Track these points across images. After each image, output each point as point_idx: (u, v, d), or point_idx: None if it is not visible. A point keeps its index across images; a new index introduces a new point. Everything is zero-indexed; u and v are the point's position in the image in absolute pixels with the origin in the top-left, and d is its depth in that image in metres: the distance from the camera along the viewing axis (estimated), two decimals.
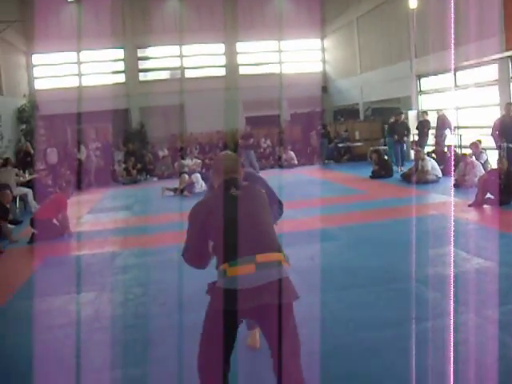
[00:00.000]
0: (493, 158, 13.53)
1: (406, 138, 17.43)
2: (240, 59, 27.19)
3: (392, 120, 17.93)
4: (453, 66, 16.69)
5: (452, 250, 7.07)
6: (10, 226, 10.86)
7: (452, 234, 7.98)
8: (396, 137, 17.14)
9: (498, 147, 12.68)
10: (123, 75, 26.24)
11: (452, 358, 3.57)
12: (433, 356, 4.04)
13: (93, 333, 5.17)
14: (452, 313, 4.89)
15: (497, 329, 4.60)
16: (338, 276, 6.35)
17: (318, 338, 4.48)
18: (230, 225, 3.14)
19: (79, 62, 25.89)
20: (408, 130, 17.31)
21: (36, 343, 4.99)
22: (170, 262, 7.57)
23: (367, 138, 21.69)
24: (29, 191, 13.91)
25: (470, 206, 9.96)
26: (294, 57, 27.70)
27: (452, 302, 5.10)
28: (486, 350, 4.22)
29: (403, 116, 17.84)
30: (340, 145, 21.86)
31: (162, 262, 7.64)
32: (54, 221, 10.35)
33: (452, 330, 4.28)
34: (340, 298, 5.58)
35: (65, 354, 4.71)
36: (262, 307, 2.97)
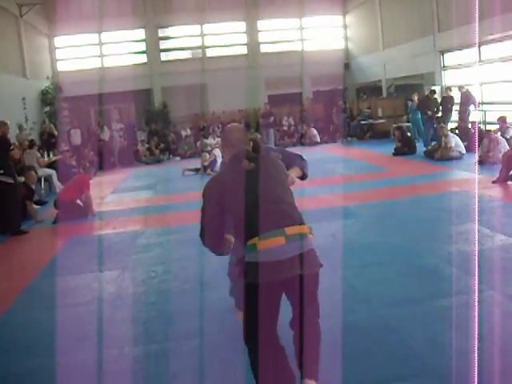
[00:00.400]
0: None
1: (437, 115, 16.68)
2: (261, 37, 26.98)
3: (424, 96, 17.37)
4: (477, 41, 16.37)
5: (475, 227, 7.00)
6: (35, 206, 11.03)
7: (475, 210, 7.94)
8: (430, 113, 16.40)
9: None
10: (145, 55, 26.23)
11: (475, 336, 3.56)
12: (455, 333, 4.02)
13: (115, 310, 5.25)
14: (475, 290, 4.86)
15: None
16: (359, 253, 6.33)
17: (338, 313, 4.50)
18: (251, 199, 3.14)
19: (101, 44, 25.92)
20: (439, 106, 16.71)
21: (60, 320, 5.08)
22: (191, 241, 7.54)
23: (390, 115, 21.47)
24: (53, 172, 14.09)
25: (493, 182, 9.83)
26: (316, 34, 27.38)
27: (475, 279, 5.08)
28: (509, 327, 4.19)
29: (436, 92, 17.45)
30: (363, 122, 21.68)
31: (184, 241, 7.69)
32: (78, 201, 10.49)
33: (475, 307, 4.27)
34: (361, 274, 5.58)
35: (88, 330, 4.79)
36: (294, 278, 3.05)
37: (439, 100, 17.49)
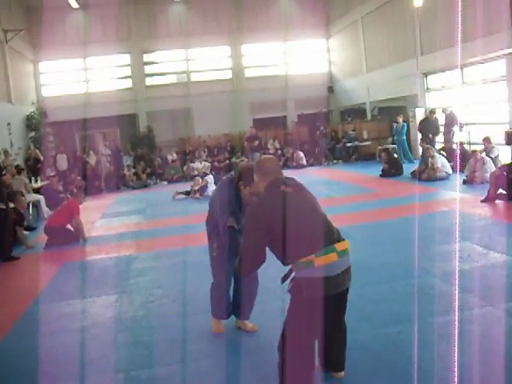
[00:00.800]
0: (503, 154, 13.60)
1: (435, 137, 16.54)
2: (245, 61, 27.25)
3: (423, 117, 17.50)
4: (459, 63, 16.69)
5: (468, 245, 7.11)
6: (25, 232, 10.96)
7: (466, 229, 8.06)
8: (430, 136, 16.21)
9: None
10: (130, 80, 26.35)
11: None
12: (458, 349, 4.08)
13: (117, 334, 5.24)
14: (473, 306, 4.94)
15: None
16: (356, 273, 6.29)
17: None
18: (299, 220, 3.38)
19: (86, 69, 26.01)
20: (438, 128, 16.74)
21: (61, 345, 5.08)
22: (186, 264, 7.69)
23: (375, 137, 21.74)
24: (41, 198, 14.03)
25: (482, 201, 9.99)
26: (300, 58, 27.71)
27: (470, 296, 5.17)
28: (509, 341, 4.26)
29: (435, 112, 17.47)
30: (348, 144, 21.89)
31: (179, 264, 7.75)
32: (68, 226, 10.46)
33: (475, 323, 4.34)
34: (360, 293, 5.62)
35: (91, 355, 4.77)
36: (344, 291, 3.52)
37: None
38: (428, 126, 16.67)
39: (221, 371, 4.24)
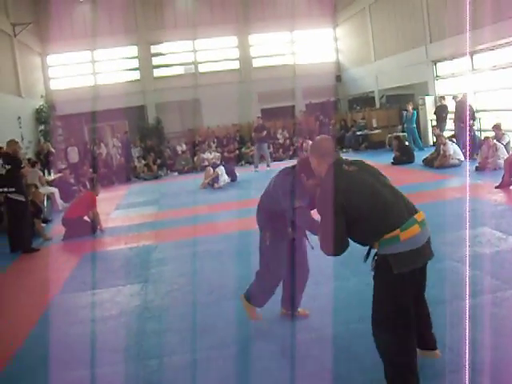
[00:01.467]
0: None
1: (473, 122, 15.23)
2: (253, 51, 27.24)
3: (457, 101, 16.40)
4: (468, 50, 16.64)
5: (487, 231, 7.16)
6: (42, 224, 11.08)
7: (483, 215, 8.11)
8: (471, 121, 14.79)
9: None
10: (138, 72, 26.39)
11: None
12: (482, 330, 4.16)
13: (145, 322, 5.33)
14: (496, 289, 5.01)
15: None
16: None
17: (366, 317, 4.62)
18: (376, 196, 3.34)
19: (93, 61, 26.07)
20: (474, 113, 15.43)
21: (91, 333, 5.18)
22: (206, 253, 7.79)
23: (384, 126, 21.73)
24: (56, 190, 14.15)
25: (497, 187, 10.03)
26: (307, 47, 27.69)
27: (494, 280, 5.24)
28: None
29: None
30: (358, 133, 21.91)
31: (199, 253, 7.83)
32: (85, 218, 10.57)
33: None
34: None
35: (122, 342, 4.87)
36: (426, 263, 3.48)
37: (433, 109, 17.74)
38: (462, 112, 16.33)
39: (253, 358, 4.32)
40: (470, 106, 15.32)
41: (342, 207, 3.30)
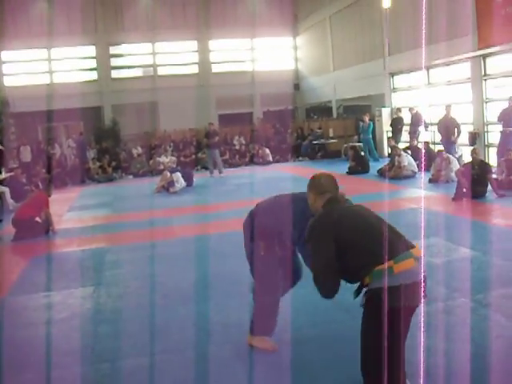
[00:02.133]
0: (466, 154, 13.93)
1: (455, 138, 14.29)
2: (213, 57, 27.27)
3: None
4: (425, 64, 17.01)
5: (437, 241, 7.31)
6: None
7: (434, 225, 8.29)
8: (453, 137, 14.16)
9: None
10: (95, 72, 26.08)
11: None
12: (434, 337, 4.25)
13: (98, 325, 5.24)
14: (447, 298, 5.13)
15: (490, 311, 4.87)
16: None
17: (323, 322, 4.66)
18: (370, 229, 3.21)
19: (50, 59, 25.64)
20: (459, 126, 14.51)
21: (41, 336, 5.06)
22: (159, 257, 7.73)
23: (341, 135, 21.98)
24: (6, 190, 13.79)
25: (453, 199, 10.22)
26: (267, 54, 27.89)
27: (444, 288, 5.36)
28: (482, 330, 4.47)
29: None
30: (314, 142, 22.10)
31: (153, 257, 7.78)
32: (37, 218, 10.34)
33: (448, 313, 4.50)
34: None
35: (74, 345, 4.76)
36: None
37: (389, 121, 18.08)
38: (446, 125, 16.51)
39: (204, 362, 4.29)
40: (422, 118, 15.74)
41: (333, 237, 3.18)
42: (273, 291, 4.24)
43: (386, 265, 3.03)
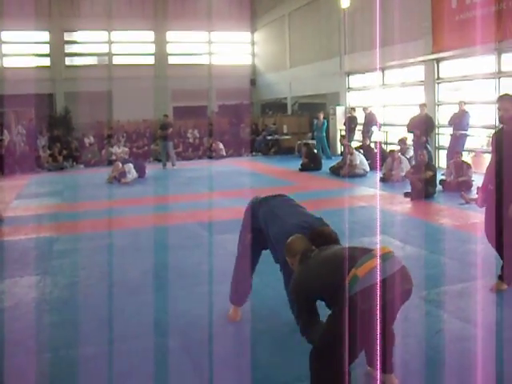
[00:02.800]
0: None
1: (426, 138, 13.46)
2: (170, 48, 27.06)
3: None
4: (379, 65, 17.27)
5: (386, 239, 7.45)
6: None
7: (384, 224, 8.44)
8: (424, 138, 13.25)
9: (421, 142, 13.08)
10: (48, 59, 25.53)
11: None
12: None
13: (42, 314, 5.15)
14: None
15: (432, 307, 5.00)
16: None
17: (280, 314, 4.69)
18: (334, 266, 3.29)
19: (1, 42, 24.96)
20: (433, 126, 14.14)
21: None
22: (108, 247, 7.65)
23: (295, 132, 22.14)
24: None
25: (411, 199, 10.42)
26: (224, 49, 27.87)
27: None
28: (424, 325, 4.60)
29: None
30: (268, 137, 22.17)
31: (101, 247, 7.68)
32: None
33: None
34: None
35: (18, 335, 4.68)
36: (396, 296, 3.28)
37: (343, 120, 18.29)
38: (418, 124, 16.58)
39: (150, 352, 4.27)
40: (376, 118, 16.00)
41: (303, 296, 3.41)
42: (243, 268, 4.77)
43: (350, 275, 3.14)
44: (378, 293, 3.07)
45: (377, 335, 3.19)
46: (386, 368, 3.55)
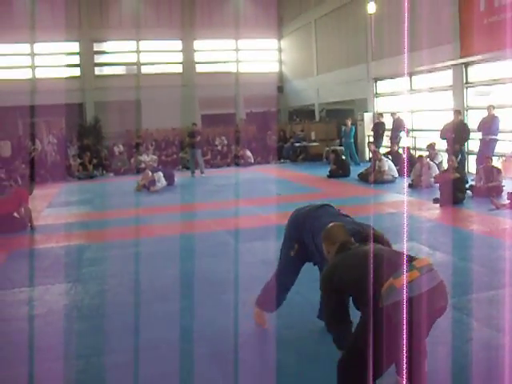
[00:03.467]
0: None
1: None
2: (197, 57, 27.28)
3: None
4: (407, 71, 17.18)
5: (415, 246, 7.39)
6: None
7: (413, 230, 8.37)
8: (457, 146, 13.12)
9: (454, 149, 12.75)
10: (78, 69, 25.95)
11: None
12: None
13: (74, 322, 5.24)
14: None
15: (462, 315, 4.96)
16: (307, 269, 6.54)
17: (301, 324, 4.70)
18: (363, 264, 3.23)
19: (33, 54, 25.45)
20: (468, 132, 13.68)
21: (16, 332, 5.05)
22: (137, 255, 7.73)
23: (323, 139, 22.09)
24: None
25: (441, 205, 10.32)
26: (251, 56, 27.97)
27: None
28: (455, 332, 4.55)
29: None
30: (296, 144, 22.18)
31: (131, 255, 7.76)
32: (15, 214, 10.27)
33: None
34: (314, 288, 5.78)
35: (49, 342, 4.76)
36: (435, 311, 3.23)
37: (371, 126, 18.21)
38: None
39: (181, 359, 4.31)
40: (404, 124, 15.90)
41: (335, 286, 3.37)
42: (285, 281, 4.76)
43: (386, 284, 3.06)
44: (413, 307, 3.00)
45: (407, 350, 3.09)
46: (413, 380, 3.33)
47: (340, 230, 3.73)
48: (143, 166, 19.18)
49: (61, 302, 5.82)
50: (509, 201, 9.82)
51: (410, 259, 3.23)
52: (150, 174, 15.24)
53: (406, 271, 3.08)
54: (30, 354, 4.48)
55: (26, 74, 25.14)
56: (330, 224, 3.82)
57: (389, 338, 3.04)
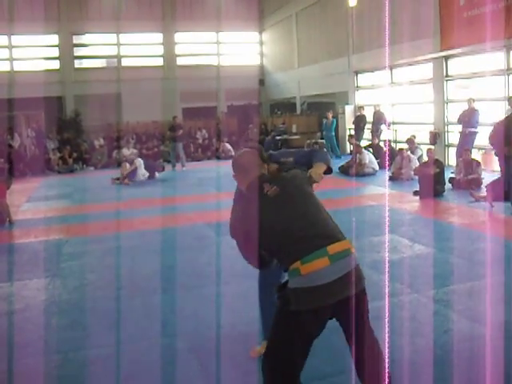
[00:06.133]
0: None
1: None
2: (178, 50, 27.12)
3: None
4: (388, 64, 17.24)
5: (395, 238, 7.43)
6: None
7: (393, 223, 8.42)
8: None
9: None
10: (57, 62, 25.66)
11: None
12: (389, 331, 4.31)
13: (52, 316, 5.19)
14: (401, 293, 5.22)
15: (440, 306, 4.99)
16: None
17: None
18: (285, 226, 2.92)
19: (11, 47, 25.11)
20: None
21: None
22: (117, 249, 7.68)
23: (304, 132, 22.09)
24: None
25: (421, 198, 10.37)
26: (232, 49, 27.90)
27: (398, 284, 5.45)
28: (434, 324, 4.58)
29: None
30: (277, 137, 22.15)
31: (110, 249, 7.71)
32: None
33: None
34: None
35: (27, 337, 4.71)
36: (343, 301, 2.83)
37: (352, 119, 18.24)
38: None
39: (158, 353, 4.29)
40: (385, 117, 15.96)
41: (245, 236, 3.02)
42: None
43: (294, 265, 2.83)
44: (313, 297, 2.77)
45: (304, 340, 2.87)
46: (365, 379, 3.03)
47: (248, 157, 3.23)
48: (124, 159, 19.04)
49: (39, 297, 5.76)
50: (487, 193, 9.90)
51: (327, 241, 2.88)
52: (128, 165, 15.14)
53: (317, 257, 2.80)
54: (9, 350, 4.44)
55: (4, 67, 24.79)
56: (240, 151, 3.36)
57: (283, 326, 2.87)
